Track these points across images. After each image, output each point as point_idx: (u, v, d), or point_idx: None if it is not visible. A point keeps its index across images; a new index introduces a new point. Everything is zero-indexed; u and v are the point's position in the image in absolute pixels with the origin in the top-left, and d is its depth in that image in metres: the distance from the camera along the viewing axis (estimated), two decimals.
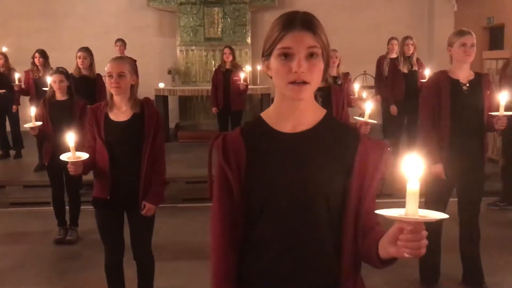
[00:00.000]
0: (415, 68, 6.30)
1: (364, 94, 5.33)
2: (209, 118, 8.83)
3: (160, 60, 9.46)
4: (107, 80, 2.74)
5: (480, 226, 3.44)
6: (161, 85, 8.56)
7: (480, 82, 3.23)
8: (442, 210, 3.43)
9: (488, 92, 3.24)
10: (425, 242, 1.09)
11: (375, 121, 3.20)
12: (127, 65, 2.76)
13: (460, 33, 3.17)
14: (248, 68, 8.07)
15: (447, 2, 9.41)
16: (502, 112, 3.06)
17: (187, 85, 9.21)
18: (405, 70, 6.31)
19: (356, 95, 5.19)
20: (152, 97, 8.25)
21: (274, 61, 1.26)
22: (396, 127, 6.54)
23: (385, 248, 1.17)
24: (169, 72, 9.22)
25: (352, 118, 3.57)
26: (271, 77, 1.32)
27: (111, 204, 2.82)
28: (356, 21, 9.43)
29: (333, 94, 3.36)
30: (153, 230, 2.99)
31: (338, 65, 5.41)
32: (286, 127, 1.32)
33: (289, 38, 1.23)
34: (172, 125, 8.98)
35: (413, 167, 1.06)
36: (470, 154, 3.26)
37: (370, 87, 7.61)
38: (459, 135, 3.23)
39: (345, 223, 1.29)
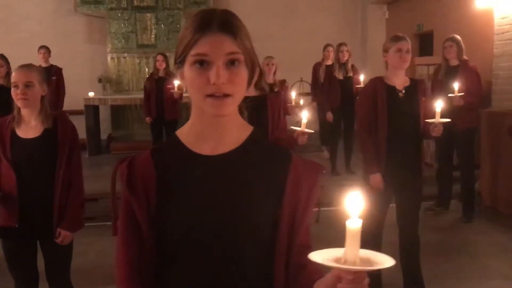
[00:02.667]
0: (350, 74, 6.35)
1: (302, 101, 5.26)
2: (144, 128, 8.46)
3: (89, 68, 9.01)
4: (12, 91, 2.42)
5: (418, 233, 3.36)
6: (91, 94, 8.17)
7: (415, 89, 3.19)
8: (382, 219, 3.41)
9: (424, 98, 3.21)
10: None
11: (312, 131, 3.06)
12: (36, 73, 2.45)
13: (395, 38, 3.11)
14: None
15: (379, 9, 9.61)
16: (438, 119, 3.02)
17: (120, 93, 8.81)
18: (340, 76, 6.34)
19: (293, 103, 5.09)
20: (82, 107, 7.86)
21: (188, 70, 1.05)
22: (333, 133, 6.57)
23: None
24: (100, 80, 8.81)
25: (289, 127, 3.43)
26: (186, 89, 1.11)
27: (21, 233, 2.47)
28: (290, 28, 9.39)
29: (269, 102, 3.20)
30: (71, 259, 2.67)
31: (274, 73, 5.36)
32: (205, 149, 1.10)
33: (204, 42, 1.02)
34: (104, 136, 8.57)
35: (354, 203, 0.90)
36: (408, 161, 3.21)
37: (307, 94, 7.59)
38: (396, 143, 3.17)
39: (276, 262, 1.09)
